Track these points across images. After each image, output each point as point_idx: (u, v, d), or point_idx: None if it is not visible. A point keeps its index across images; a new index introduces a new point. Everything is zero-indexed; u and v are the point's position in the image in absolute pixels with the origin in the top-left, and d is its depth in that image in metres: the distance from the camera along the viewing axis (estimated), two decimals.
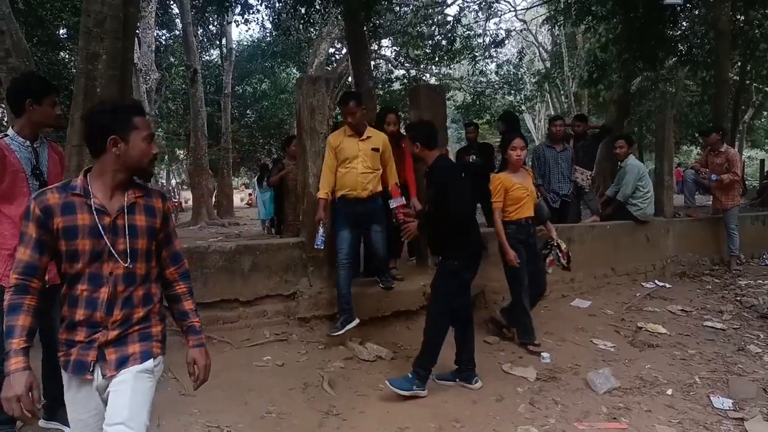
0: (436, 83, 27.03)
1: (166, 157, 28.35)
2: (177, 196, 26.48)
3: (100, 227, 1.76)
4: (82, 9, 5.74)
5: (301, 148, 4.60)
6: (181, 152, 29.27)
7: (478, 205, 7.45)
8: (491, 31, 21.62)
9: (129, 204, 1.82)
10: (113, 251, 1.77)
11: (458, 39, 20.39)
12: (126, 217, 1.80)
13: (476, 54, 21.77)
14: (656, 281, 6.66)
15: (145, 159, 1.84)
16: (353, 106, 4.24)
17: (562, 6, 15.23)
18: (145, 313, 1.86)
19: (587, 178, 6.88)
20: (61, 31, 13.47)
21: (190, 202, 20.11)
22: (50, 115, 2.77)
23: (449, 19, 20.34)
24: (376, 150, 4.33)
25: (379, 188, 4.40)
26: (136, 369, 1.81)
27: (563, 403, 3.50)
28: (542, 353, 4.29)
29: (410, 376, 3.51)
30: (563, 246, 4.74)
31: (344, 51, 21.87)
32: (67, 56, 13.90)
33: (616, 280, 6.46)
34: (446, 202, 3.42)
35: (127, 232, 1.79)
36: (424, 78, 24.10)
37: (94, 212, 1.76)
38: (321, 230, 4.22)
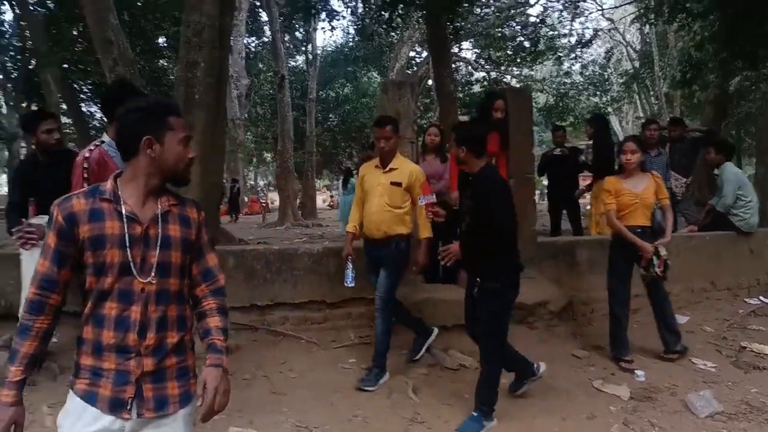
0: (519, 85, 26.53)
1: (254, 159, 29.51)
2: (265, 198, 27.57)
3: (132, 236, 1.58)
4: (182, 20, 6.12)
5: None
6: (269, 155, 30.35)
7: (563, 211, 7.26)
8: (577, 31, 20.84)
9: (163, 212, 1.64)
10: (146, 264, 1.59)
11: (542, 40, 19.86)
12: (159, 226, 1.62)
13: (561, 54, 21.12)
14: (761, 297, 6.15)
15: (181, 163, 1.66)
16: (390, 130, 3.84)
17: (653, 4, 14.48)
18: (179, 340, 1.65)
19: (682, 185, 6.50)
20: (161, 40, 14.35)
21: (276, 203, 20.87)
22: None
23: (532, 19, 19.93)
24: (397, 184, 3.82)
25: (400, 229, 3.85)
26: (182, 417, 1.66)
27: (660, 426, 3.32)
28: (636, 371, 4.08)
29: (476, 415, 3.25)
30: (663, 252, 4.39)
31: (424, 54, 21.89)
32: (165, 63, 14.80)
33: (716, 295, 6.03)
34: (492, 215, 3.05)
35: (160, 243, 1.61)
36: (504, 80, 23.66)
37: (125, 220, 1.58)
38: (349, 266, 3.97)
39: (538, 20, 18.86)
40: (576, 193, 6.61)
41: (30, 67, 15.98)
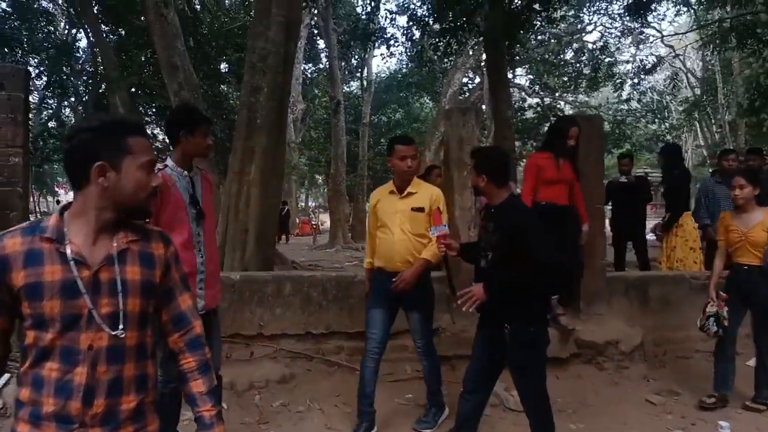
0: (583, 113, 26.06)
1: (306, 181, 30.01)
2: (315, 219, 27.87)
3: (76, 283, 1.29)
4: (247, 46, 6.23)
5: (448, 180, 4.53)
6: (320, 177, 30.82)
7: (629, 243, 6.90)
8: (638, 57, 20.33)
9: (119, 251, 1.35)
10: (94, 316, 1.30)
11: (602, 66, 19.44)
12: (113, 269, 1.33)
13: (620, 81, 20.63)
14: None
15: (141, 193, 1.39)
16: (415, 148, 3.45)
17: (719, 31, 13.96)
18: (137, 404, 1.37)
19: None
20: (223, 66, 14.81)
21: (326, 225, 21.03)
22: (202, 146, 2.77)
23: (590, 46, 19.58)
24: (419, 210, 3.38)
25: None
26: None
27: None
28: (720, 422, 3.74)
29: None
30: (711, 309, 4.01)
31: (477, 80, 21.86)
32: (226, 89, 15.25)
33: None
34: (531, 249, 2.66)
35: (114, 290, 1.33)
36: (558, 106, 23.33)
37: (70, 263, 1.30)
38: None
39: (597, 47, 18.45)
40: (657, 232, 6.13)
41: (100, 90, 16.80)
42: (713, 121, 28.23)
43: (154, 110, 15.28)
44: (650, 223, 6.81)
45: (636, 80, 20.37)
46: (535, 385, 2.90)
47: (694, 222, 5.80)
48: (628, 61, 20.38)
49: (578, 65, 19.73)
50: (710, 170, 10.63)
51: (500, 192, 2.86)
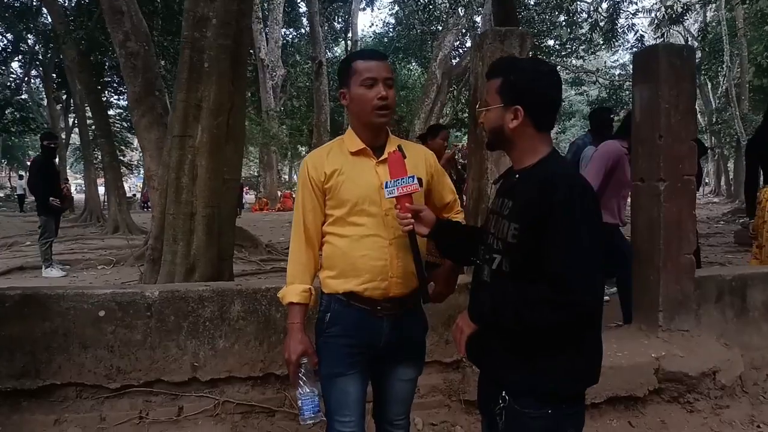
0: (572, 77, 24.69)
1: (289, 153, 28.65)
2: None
3: None
4: None
5: (477, 140, 3.12)
6: (303, 149, 29.51)
7: None
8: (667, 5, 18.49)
9: None
10: None
11: (599, 27, 17.86)
12: None
13: (617, 40, 19.09)
14: None
15: None
16: (382, 67, 1.74)
17: None
18: None
19: None
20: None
21: None
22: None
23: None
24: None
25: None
26: None
27: None
28: None
29: None
30: None
31: (468, 44, 20.45)
32: None
33: None
34: (557, 250, 1.34)
35: None
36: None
37: None
38: (304, 379, 1.77)
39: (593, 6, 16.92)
40: (750, 231, 4.63)
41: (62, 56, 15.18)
42: (710, 86, 27.05)
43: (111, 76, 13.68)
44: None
45: (662, 29, 18.20)
46: None
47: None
48: (650, 10, 18.60)
49: (587, 23, 18.22)
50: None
51: (538, 143, 1.50)
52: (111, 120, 16.12)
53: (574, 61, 23.28)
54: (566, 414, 1.45)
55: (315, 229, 1.80)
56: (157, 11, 11.49)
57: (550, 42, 20.76)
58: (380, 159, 1.78)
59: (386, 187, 1.66)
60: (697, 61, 21.12)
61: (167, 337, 2.63)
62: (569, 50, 21.29)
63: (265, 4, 21.15)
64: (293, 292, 1.76)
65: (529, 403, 1.43)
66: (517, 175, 1.52)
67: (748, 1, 13.68)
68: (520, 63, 1.59)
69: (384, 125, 1.80)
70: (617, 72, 28.46)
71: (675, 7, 16.22)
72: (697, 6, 19.99)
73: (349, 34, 21.90)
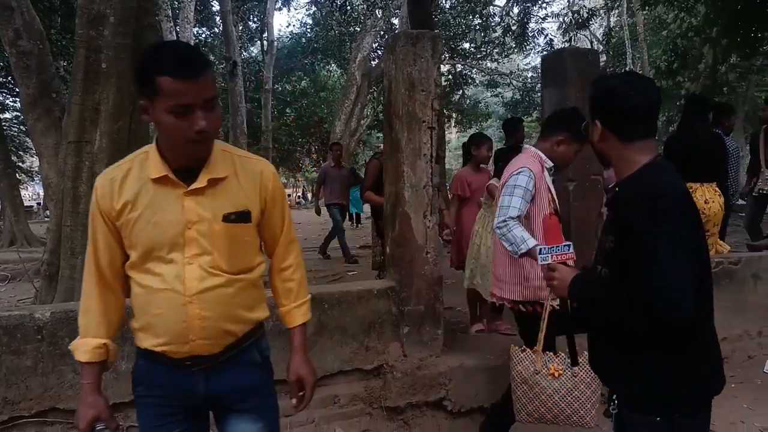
0: (488, 79, 25.51)
1: None
2: None
3: None
4: None
5: (392, 143, 3.08)
6: None
7: None
8: (573, 10, 19.43)
9: None
10: None
11: (510, 31, 18.58)
12: None
13: (527, 44, 19.97)
14: None
15: None
16: (191, 84, 1.33)
17: None
18: None
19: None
20: None
21: None
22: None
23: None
24: (241, 218, 1.48)
25: (260, 314, 1.60)
26: None
27: None
28: None
29: None
30: None
31: None
32: None
33: None
34: (645, 265, 1.36)
35: None
36: (469, 73, 22.72)
37: None
38: None
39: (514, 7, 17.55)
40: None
41: None
42: None
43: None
44: None
45: (570, 34, 19.18)
46: None
47: None
48: (559, 15, 19.47)
49: (492, 29, 18.84)
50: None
51: (629, 154, 1.49)
52: (6, 123, 14.90)
53: (489, 64, 23.99)
54: (680, 424, 1.43)
55: (113, 270, 1.47)
56: (55, 8, 10.75)
57: (466, 45, 21.27)
58: (191, 188, 1.39)
59: (540, 254, 1.74)
60: (602, 64, 22.68)
61: (62, 362, 2.41)
62: (484, 53, 21.90)
63: (176, 3, 20.36)
64: (82, 349, 1.49)
65: (633, 410, 1.47)
66: (617, 188, 1.56)
67: (647, 8, 14.66)
68: (598, 79, 1.64)
69: (204, 153, 1.40)
70: (530, 74, 29.69)
71: (581, 13, 17.15)
72: (602, 11, 21.22)
73: (265, 35, 21.40)
